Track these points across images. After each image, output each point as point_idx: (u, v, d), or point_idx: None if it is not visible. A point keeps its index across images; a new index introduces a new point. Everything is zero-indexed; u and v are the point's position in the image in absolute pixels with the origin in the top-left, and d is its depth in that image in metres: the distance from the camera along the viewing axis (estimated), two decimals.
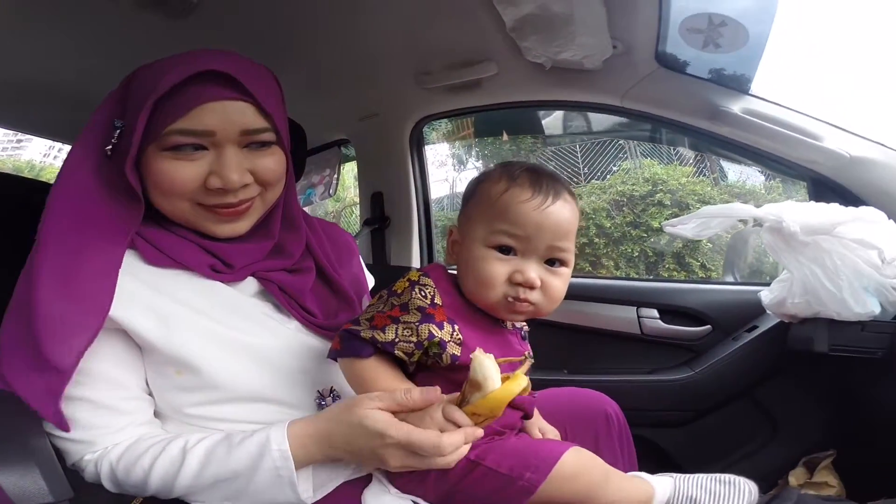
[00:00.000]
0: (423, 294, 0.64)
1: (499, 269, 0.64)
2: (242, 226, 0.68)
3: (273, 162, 0.67)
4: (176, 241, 0.67)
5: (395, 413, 0.58)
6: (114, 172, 0.64)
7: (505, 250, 0.65)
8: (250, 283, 0.71)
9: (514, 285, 0.64)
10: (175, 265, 0.66)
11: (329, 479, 0.64)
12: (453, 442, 0.56)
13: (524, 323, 0.77)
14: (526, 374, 0.59)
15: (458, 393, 0.58)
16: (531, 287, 0.64)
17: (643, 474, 0.69)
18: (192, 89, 0.60)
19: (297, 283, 0.72)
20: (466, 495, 0.62)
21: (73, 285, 0.59)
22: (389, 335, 0.62)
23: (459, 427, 0.56)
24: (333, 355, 0.66)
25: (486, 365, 0.56)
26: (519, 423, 0.71)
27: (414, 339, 0.62)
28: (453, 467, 0.59)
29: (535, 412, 0.80)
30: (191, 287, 0.66)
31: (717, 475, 0.67)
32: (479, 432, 0.58)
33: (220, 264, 0.68)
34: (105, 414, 0.61)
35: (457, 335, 0.63)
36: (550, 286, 0.66)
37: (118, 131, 0.64)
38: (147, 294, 0.63)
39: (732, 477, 0.66)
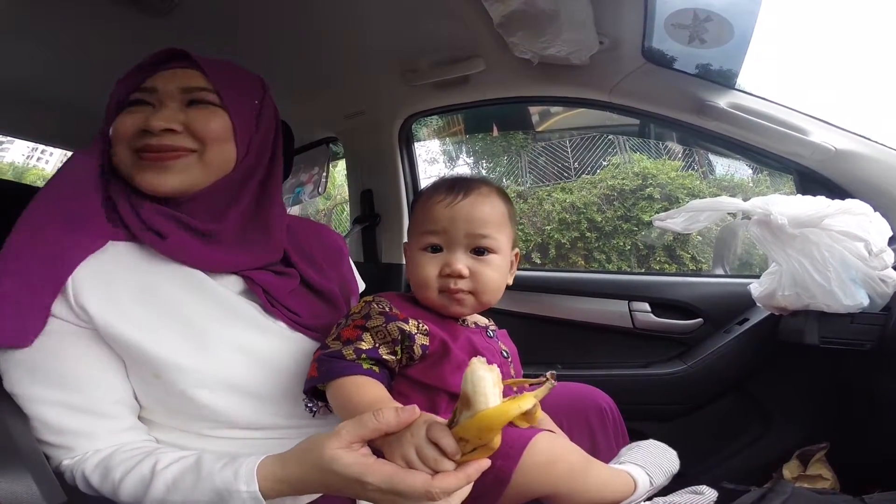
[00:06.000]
0: (381, 306, 0.68)
1: (430, 266, 0.70)
2: (170, 179, 0.67)
3: (208, 119, 0.68)
4: (159, 219, 0.68)
5: (370, 441, 0.52)
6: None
7: (434, 249, 0.71)
8: (235, 282, 0.71)
9: (445, 277, 0.69)
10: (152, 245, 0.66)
11: None
12: (445, 487, 0.47)
13: (489, 321, 0.79)
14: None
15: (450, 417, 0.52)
16: (459, 276, 0.69)
17: (625, 466, 0.71)
18: (155, 66, 0.70)
19: (281, 284, 0.73)
20: None
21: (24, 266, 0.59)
22: (367, 343, 0.64)
23: (444, 452, 0.49)
24: (311, 384, 0.64)
25: (479, 375, 0.47)
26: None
27: (389, 338, 0.65)
28: None
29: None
30: (177, 278, 0.66)
31: (641, 443, 0.76)
32: (484, 465, 0.50)
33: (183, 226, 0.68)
34: (82, 418, 0.60)
35: (423, 326, 0.67)
36: (479, 273, 0.70)
37: None
38: (128, 291, 0.62)
39: (647, 441, 0.75)
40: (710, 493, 0.67)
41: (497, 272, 0.71)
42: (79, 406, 0.60)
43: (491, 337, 0.76)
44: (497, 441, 0.48)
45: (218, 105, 0.69)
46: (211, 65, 0.70)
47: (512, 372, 0.75)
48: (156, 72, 0.69)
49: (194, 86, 0.69)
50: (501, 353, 0.75)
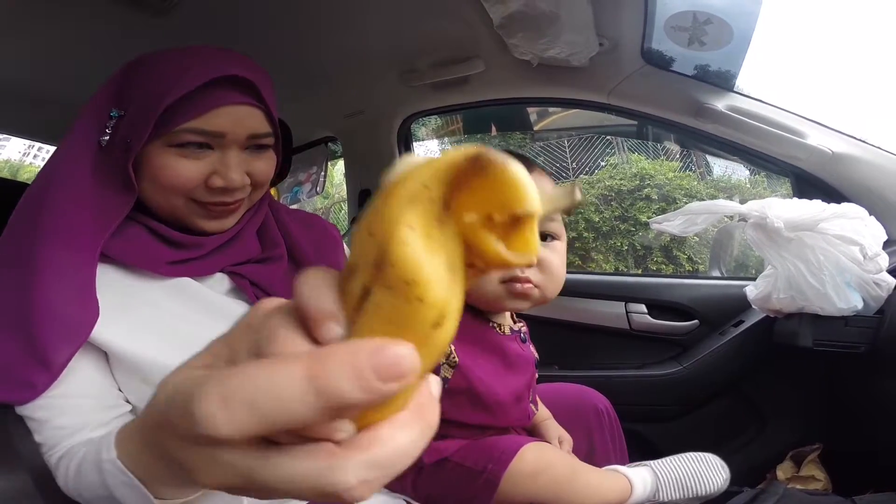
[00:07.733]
0: None
1: None
2: (229, 222, 0.68)
3: (267, 165, 0.68)
4: (132, 238, 0.64)
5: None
6: (107, 163, 0.62)
7: None
8: (221, 281, 0.69)
9: None
10: (131, 264, 0.63)
11: None
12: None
13: (522, 323, 0.76)
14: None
15: None
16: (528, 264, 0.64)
17: (619, 468, 0.70)
18: (212, 92, 0.60)
19: (267, 273, 0.70)
20: (442, 493, 0.62)
21: (70, 282, 0.57)
22: None
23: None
24: None
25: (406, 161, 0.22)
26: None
27: None
28: (426, 462, 0.59)
29: (542, 407, 0.80)
30: (158, 286, 0.63)
31: (689, 454, 0.72)
32: (390, 349, 0.19)
33: (184, 252, 0.65)
34: (68, 414, 0.57)
35: (453, 358, 0.61)
36: (547, 261, 0.64)
37: (113, 121, 0.62)
38: (110, 296, 0.59)
39: (703, 455, 0.72)
40: None
41: (562, 261, 0.65)
42: (67, 405, 0.57)
43: (525, 342, 0.72)
44: (411, 272, 0.19)
45: (272, 146, 0.69)
46: (271, 98, 0.65)
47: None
48: (219, 103, 0.61)
49: (261, 132, 0.65)
50: (535, 362, 0.72)
